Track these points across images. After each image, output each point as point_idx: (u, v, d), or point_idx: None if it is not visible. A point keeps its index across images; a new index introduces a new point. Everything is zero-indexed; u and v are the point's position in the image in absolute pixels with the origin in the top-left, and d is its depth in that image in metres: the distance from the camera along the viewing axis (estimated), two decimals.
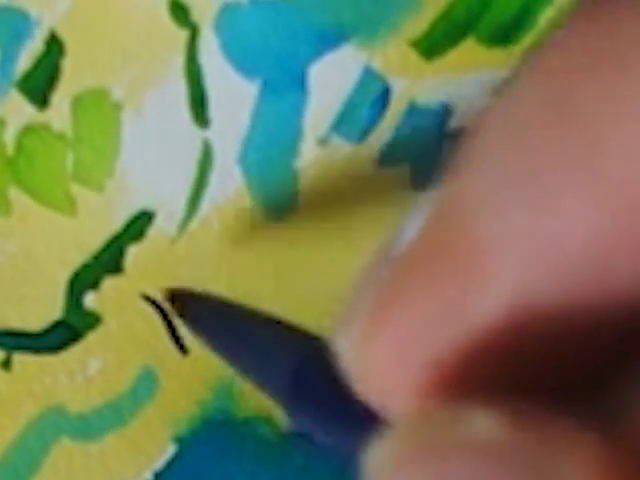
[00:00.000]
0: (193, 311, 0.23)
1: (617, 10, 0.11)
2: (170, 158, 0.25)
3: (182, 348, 0.26)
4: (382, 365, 0.12)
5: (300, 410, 0.16)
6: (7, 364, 0.26)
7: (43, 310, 0.25)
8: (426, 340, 0.12)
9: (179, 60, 0.25)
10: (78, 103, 0.25)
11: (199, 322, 0.23)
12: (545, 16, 0.26)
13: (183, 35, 0.25)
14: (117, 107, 0.25)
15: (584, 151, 0.11)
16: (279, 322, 0.20)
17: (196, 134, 0.25)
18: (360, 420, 0.13)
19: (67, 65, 0.25)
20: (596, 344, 0.11)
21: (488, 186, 0.11)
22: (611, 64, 0.11)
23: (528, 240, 0.11)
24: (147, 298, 0.26)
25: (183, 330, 0.26)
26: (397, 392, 0.12)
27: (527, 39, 0.26)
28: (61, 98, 0.25)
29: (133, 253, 0.26)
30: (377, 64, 0.26)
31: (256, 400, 0.26)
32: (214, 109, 0.25)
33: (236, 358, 0.20)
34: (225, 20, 0.25)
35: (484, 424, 0.11)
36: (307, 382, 0.16)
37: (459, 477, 0.11)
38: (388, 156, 0.26)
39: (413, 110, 0.26)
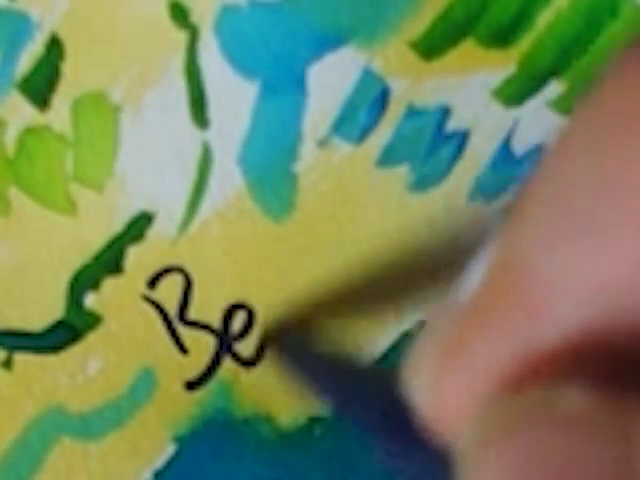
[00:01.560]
0: (290, 349, 0.23)
1: None
2: (170, 159, 0.25)
3: (182, 348, 0.26)
4: (452, 405, 0.13)
5: (389, 441, 0.17)
6: (8, 364, 0.26)
7: (44, 310, 0.26)
8: (495, 371, 0.12)
9: (179, 61, 0.25)
10: (78, 104, 0.25)
11: (292, 360, 0.23)
12: (544, 17, 0.26)
13: (183, 37, 0.25)
14: (117, 108, 0.25)
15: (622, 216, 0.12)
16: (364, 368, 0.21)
17: (196, 135, 0.25)
18: (433, 454, 0.14)
19: (67, 67, 0.25)
20: None
21: (545, 234, 0.12)
22: None
23: (582, 281, 0.12)
24: (147, 298, 0.26)
25: (183, 330, 0.26)
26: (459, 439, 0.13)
27: (526, 40, 0.26)
28: (61, 99, 0.25)
29: (133, 254, 0.26)
30: (376, 65, 0.26)
31: (255, 400, 0.26)
32: (214, 110, 0.25)
33: (320, 386, 0.21)
34: (225, 22, 0.25)
35: (573, 399, 0.12)
36: (387, 415, 0.16)
37: (551, 450, 0.11)
38: (387, 157, 0.26)
39: (412, 111, 0.26)
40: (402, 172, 0.26)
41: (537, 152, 0.26)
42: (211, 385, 0.26)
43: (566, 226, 0.12)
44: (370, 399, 0.17)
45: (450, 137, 0.26)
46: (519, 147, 0.26)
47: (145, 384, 0.26)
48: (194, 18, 0.25)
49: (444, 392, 0.13)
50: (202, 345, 0.26)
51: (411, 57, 0.26)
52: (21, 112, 0.25)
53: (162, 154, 0.25)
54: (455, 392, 0.13)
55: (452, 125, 0.26)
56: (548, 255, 0.12)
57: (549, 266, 0.12)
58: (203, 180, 0.26)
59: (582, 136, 0.12)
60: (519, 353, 0.12)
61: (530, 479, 0.11)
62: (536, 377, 0.12)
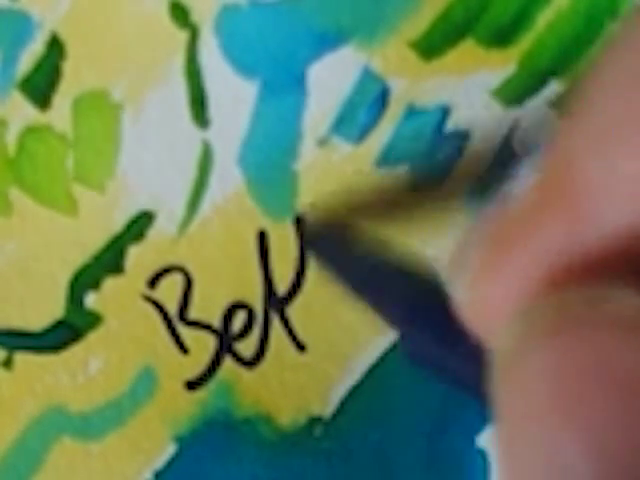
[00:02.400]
0: (319, 238, 0.23)
1: None
2: (170, 159, 0.25)
3: (182, 348, 0.26)
4: (499, 301, 0.13)
5: (416, 336, 0.17)
6: (8, 363, 0.26)
7: (44, 310, 0.26)
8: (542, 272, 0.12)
9: (179, 61, 0.25)
10: (79, 104, 0.25)
11: (324, 250, 0.23)
12: (544, 17, 0.26)
13: (183, 36, 0.25)
14: (117, 108, 0.25)
15: None
16: (399, 263, 0.21)
17: (196, 135, 0.25)
18: (468, 348, 0.14)
19: (68, 66, 0.25)
20: None
21: (598, 132, 0.12)
22: None
23: (630, 184, 0.12)
24: (147, 298, 0.26)
25: (183, 330, 0.26)
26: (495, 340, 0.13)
27: (526, 40, 0.26)
28: (62, 99, 0.25)
29: (133, 253, 0.26)
30: (376, 65, 0.26)
31: (256, 400, 0.26)
32: (214, 110, 0.25)
33: (358, 286, 0.21)
34: (225, 21, 0.25)
35: (618, 301, 0.12)
36: (422, 316, 0.17)
37: (594, 351, 0.11)
38: (387, 156, 0.26)
39: (412, 111, 0.26)
40: (402, 172, 0.26)
41: (537, 152, 0.26)
42: (211, 385, 0.26)
43: (618, 129, 0.12)
44: (408, 293, 0.18)
45: (450, 137, 0.26)
46: (519, 147, 0.26)
47: (145, 384, 0.26)
48: (194, 18, 0.25)
49: (486, 291, 0.13)
50: (202, 345, 0.26)
51: (411, 57, 0.26)
52: (22, 112, 0.25)
53: (162, 153, 0.25)
54: (497, 291, 0.13)
55: (452, 125, 0.26)
56: (598, 157, 0.12)
57: (598, 169, 0.12)
58: (203, 179, 0.26)
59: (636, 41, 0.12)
60: (564, 256, 0.12)
61: (570, 378, 0.11)
62: (580, 281, 0.12)
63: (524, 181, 0.13)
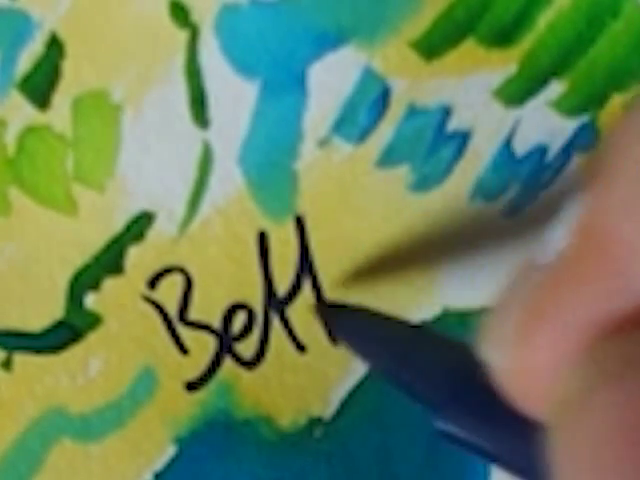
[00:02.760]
0: (343, 323, 0.23)
1: None
2: (170, 159, 0.25)
3: (182, 348, 0.26)
4: (540, 367, 0.13)
5: (456, 415, 0.17)
6: (8, 364, 0.26)
7: (44, 310, 0.26)
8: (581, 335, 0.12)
9: (179, 61, 0.25)
10: (78, 104, 0.25)
11: (349, 333, 0.23)
12: (545, 17, 0.26)
13: (183, 36, 0.25)
14: (117, 108, 0.25)
15: None
16: (428, 331, 0.21)
17: (196, 135, 0.25)
18: (512, 424, 0.14)
19: (68, 66, 0.25)
20: None
21: (633, 196, 0.12)
22: None
23: None
24: (147, 298, 0.26)
25: (183, 330, 0.26)
26: (550, 395, 0.12)
27: (527, 40, 0.26)
28: (62, 99, 0.25)
29: (133, 254, 0.26)
30: (377, 65, 0.26)
31: (256, 400, 0.26)
32: (214, 110, 0.25)
33: (390, 366, 0.20)
34: (225, 21, 0.25)
35: None
36: (463, 388, 0.16)
37: None
38: (388, 157, 0.26)
39: (413, 111, 0.26)
40: (402, 172, 0.26)
41: (538, 152, 0.26)
42: (211, 385, 0.26)
43: None
44: (432, 368, 0.17)
45: (451, 137, 0.26)
46: (520, 147, 0.26)
47: (145, 384, 0.26)
48: (194, 17, 0.25)
49: (526, 358, 0.13)
50: (202, 345, 0.26)
51: (412, 57, 0.26)
52: (21, 112, 0.25)
53: (162, 154, 0.25)
54: (538, 358, 0.13)
55: (453, 125, 0.26)
56: (633, 220, 0.12)
57: (634, 231, 0.12)
58: (203, 180, 0.26)
59: None
60: (608, 309, 0.12)
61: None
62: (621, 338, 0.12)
63: (556, 244, 0.13)
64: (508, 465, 0.15)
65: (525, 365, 0.13)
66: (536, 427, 0.13)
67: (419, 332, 0.21)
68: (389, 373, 0.20)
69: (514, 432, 0.14)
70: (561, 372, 0.12)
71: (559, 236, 0.13)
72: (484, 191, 0.26)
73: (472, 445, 0.16)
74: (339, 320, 0.23)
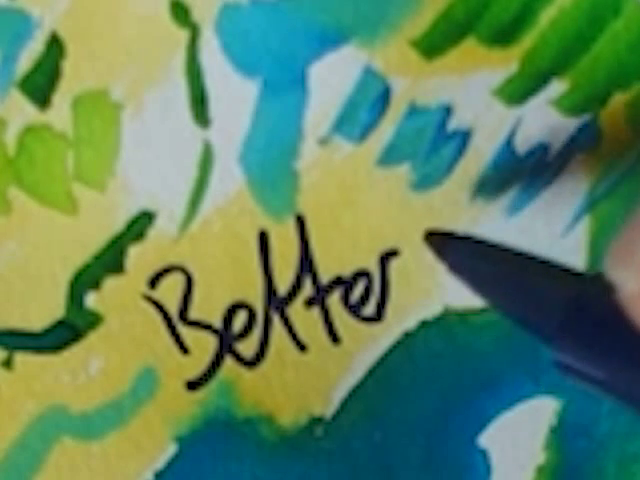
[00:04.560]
0: (453, 253, 0.22)
1: None
2: (171, 158, 0.25)
3: (183, 347, 0.26)
4: None
5: (571, 345, 0.16)
6: (9, 363, 0.26)
7: (44, 310, 0.26)
8: None
9: (179, 60, 0.25)
10: (79, 103, 0.25)
11: (460, 264, 0.22)
12: (546, 16, 0.26)
13: (183, 35, 0.25)
14: (117, 107, 0.25)
15: None
16: (541, 260, 0.20)
17: (196, 134, 0.25)
18: (629, 353, 0.13)
19: (68, 65, 0.25)
20: None
21: None
22: None
23: None
24: (148, 298, 0.26)
25: (184, 329, 0.26)
26: None
27: (528, 39, 0.26)
28: (62, 98, 0.25)
29: (134, 253, 0.26)
30: (377, 64, 0.26)
31: (256, 400, 0.26)
32: (214, 109, 0.25)
33: (501, 296, 0.20)
34: (226, 20, 0.25)
35: None
36: (579, 317, 0.16)
37: None
38: (389, 156, 0.26)
39: (414, 110, 0.26)
40: (403, 171, 0.26)
41: (539, 151, 0.26)
42: (212, 385, 0.26)
43: None
44: (545, 298, 0.17)
45: (451, 136, 0.26)
46: (521, 146, 0.26)
47: (146, 384, 0.26)
48: (195, 16, 0.25)
49: None
50: (203, 345, 0.26)
51: (412, 56, 0.26)
52: (21, 111, 0.25)
53: (163, 153, 0.25)
54: None
55: (454, 124, 0.26)
56: None
57: None
58: (204, 179, 0.26)
59: None
60: None
61: None
62: None
63: None
64: (623, 396, 0.15)
65: None
66: None
67: (531, 261, 0.20)
68: (501, 305, 0.20)
69: (631, 361, 0.14)
70: None
71: None
72: (485, 190, 0.26)
73: (587, 376, 0.16)
74: (448, 250, 0.23)
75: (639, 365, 0.13)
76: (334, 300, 0.26)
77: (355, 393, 0.27)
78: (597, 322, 0.14)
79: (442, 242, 0.23)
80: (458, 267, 0.22)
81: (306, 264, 0.26)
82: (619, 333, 0.13)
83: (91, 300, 0.26)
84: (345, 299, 0.26)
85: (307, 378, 0.26)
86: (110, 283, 0.26)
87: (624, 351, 0.14)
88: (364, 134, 0.26)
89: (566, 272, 0.18)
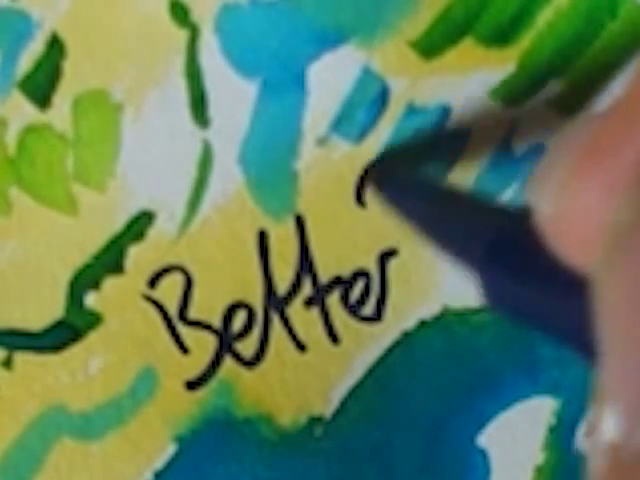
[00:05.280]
0: (388, 185, 0.23)
1: None
2: (170, 158, 0.25)
3: (182, 347, 0.26)
4: (591, 207, 0.12)
5: (496, 280, 0.16)
6: (8, 363, 0.26)
7: (44, 310, 0.26)
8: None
9: (179, 60, 0.25)
10: (79, 103, 0.25)
11: (393, 195, 0.22)
12: (543, 16, 0.26)
13: (183, 35, 0.25)
14: (117, 107, 0.25)
15: None
16: (473, 198, 0.20)
17: (196, 134, 0.25)
18: (558, 285, 0.13)
19: (68, 66, 0.25)
20: None
21: None
22: None
23: None
24: (148, 298, 0.26)
25: (183, 329, 0.26)
26: (596, 238, 0.12)
27: (525, 39, 0.26)
28: (62, 98, 0.25)
29: (134, 253, 0.26)
30: (376, 64, 0.26)
31: (256, 399, 0.26)
32: (214, 109, 0.25)
33: (431, 230, 0.20)
34: (225, 20, 0.25)
35: None
36: (503, 251, 0.16)
37: None
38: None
39: (412, 110, 0.26)
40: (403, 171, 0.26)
41: (537, 152, 0.26)
42: (212, 385, 0.26)
43: None
44: (487, 226, 0.17)
45: (449, 136, 0.26)
46: (519, 147, 0.26)
47: (146, 384, 0.26)
48: (194, 17, 0.25)
49: (576, 200, 0.12)
50: (203, 344, 0.26)
51: (411, 56, 0.26)
52: (22, 111, 0.25)
53: (163, 153, 0.25)
54: (588, 200, 0.12)
55: (451, 124, 0.26)
56: None
57: None
58: (203, 179, 0.26)
59: None
60: None
61: None
62: None
63: (615, 94, 0.13)
64: (550, 327, 0.15)
65: (574, 207, 0.12)
66: (578, 282, 0.12)
67: (459, 197, 0.20)
68: (434, 242, 0.19)
69: (556, 291, 0.13)
70: (609, 212, 0.12)
71: (618, 87, 0.13)
72: (483, 190, 0.26)
73: (515, 308, 0.16)
74: (386, 185, 0.23)
75: (562, 294, 0.13)
76: (333, 300, 0.26)
77: (355, 393, 0.27)
78: (519, 250, 0.14)
79: (381, 176, 0.23)
80: (393, 202, 0.22)
81: (305, 264, 0.26)
82: (539, 261, 0.13)
83: (91, 300, 0.26)
84: (344, 299, 0.26)
85: (307, 378, 0.26)
86: (110, 283, 0.26)
87: (548, 281, 0.14)
88: (362, 134, 0.26)
89: (494, 207, 0.18)
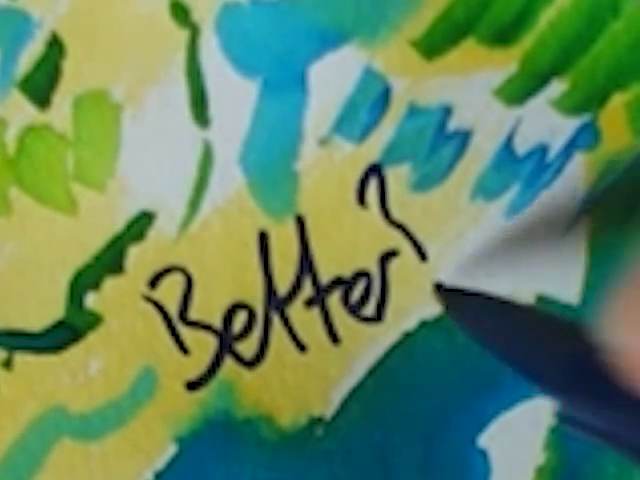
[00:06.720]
0: (461, 306, 0.23)
1: None
2: (170, 158, 0.25)
3: (183, 348, 0.26)
4: None
5: (575, 399, 0.16)
6: (8, 364, 0.26)
7: (44, 310, 0.25)
8: None
9: (179, 60, 0.25)
10: (79, 103, 0.25)
11: (467, 317, 0.22)
12: (545, 16, 0.26)
13: (184, 35, 0.25)
14: (118, 107, 0.25)
15: None
16: (546, 315, 0.20)
17: (196, 134, 0.25)
18: (630, 407, 0.14)
19: (68, 66, 0.25)
20: None
21: None
22: None
23: None
24: (148, 298, 0.26)
25: (184, 330, 0.26)
26: None
27: (527, 39, 0.26)
28: (62, 98, 0.25)
29: (134, 253, 0.26)
30: (378, 64, 0.26)
31: (256, 400, 0.26)
32: (214, 109, 0.25)
33: (507, 350, 0.20)
34: (225, 20, 0.25)
35: None
36: (582, 373, 0.16)
37: None
38: (389, 156, 0.26)
39: (414, 110, 0.26)
40: (403, 171, 0.26)
41: (539, 151, 0.26)
42: (212, 385, 0.26)
43: None
44: (565, 352, 0.17)
45: (452, 136, 0.26)
46: (521, 146, 0.26)
47: (146, 384, 0.26)
48: (195, 16, 0.25)
49: None
50: (203, 345, 0.26)
51: (412, 56, 0.26)
52: (22, 111, 0.25)
53: (163, 153, 0.25)
54: None
55: (454, 124, 0.26)
56: None
57: None
58: (204, 179, 0.26)
59: None
60: None
61: None
62: None
63: None
64: (627, 448, 0.15)
65: None
66: None
67: (533, 315, 0.21)
68: (509, 359, 0.20)
69: (633, 414, 0.14)
70: None
71: None
72: (485, 190, 0.26)
73: (593, 428, 0.16)
74: (455, 302, 0.23)
75: (632, 420, 0.13)
76: (334, 300, 0.26)
77: (355, 393, 0.27)
78: (601, 378, 0.15)
79: (450, 296, 0.23)
80: (465, 321, 0.22)
81: (306, 264, 0.26)
82: (619, 389, 0.13)
83: (91, 300, 0.26)
84: (345, 299, 0.26)
85: (307, 378, 0.26)
86: (110, 283, 0.26)
87: (626, 406, 0.14)
88: (364, 134, 0.26)
89: (565, 325, 0.18)
